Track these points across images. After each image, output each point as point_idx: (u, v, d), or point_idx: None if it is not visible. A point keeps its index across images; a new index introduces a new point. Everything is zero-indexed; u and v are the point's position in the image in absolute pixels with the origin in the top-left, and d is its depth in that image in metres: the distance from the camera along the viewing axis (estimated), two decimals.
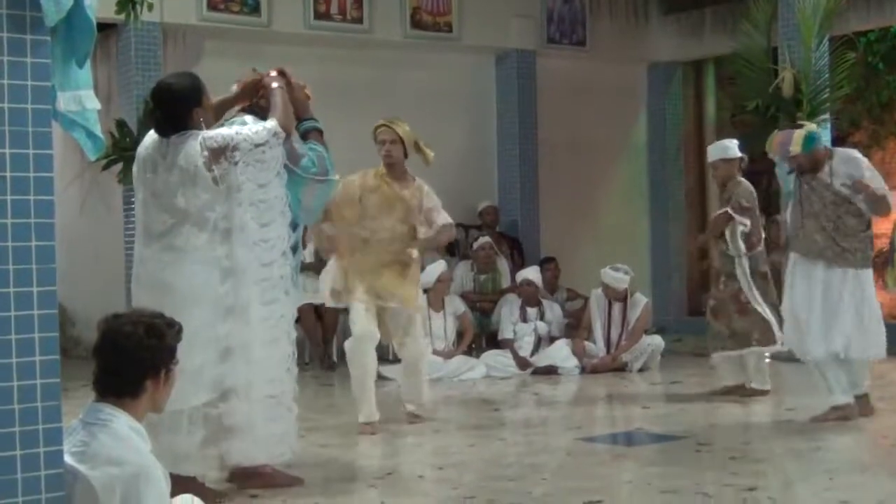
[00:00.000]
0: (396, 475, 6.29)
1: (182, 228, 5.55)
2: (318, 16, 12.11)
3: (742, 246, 8.96)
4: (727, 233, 9.02)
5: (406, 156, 7.87)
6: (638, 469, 6.35)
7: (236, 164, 5.52)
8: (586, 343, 10.92)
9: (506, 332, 11.05)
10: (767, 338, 8.96)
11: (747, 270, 8.99)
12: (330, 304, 8.40)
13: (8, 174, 3.52)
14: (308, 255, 11.46)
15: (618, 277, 10.88)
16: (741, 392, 9.01)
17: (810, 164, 7.65)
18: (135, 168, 5.85)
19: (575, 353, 10.77)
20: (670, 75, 14.99)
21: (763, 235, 9.16)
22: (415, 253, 7.87)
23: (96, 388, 3.71)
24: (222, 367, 5.52)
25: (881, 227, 13.86)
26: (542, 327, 11.03)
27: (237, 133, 5.58)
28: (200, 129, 5.59)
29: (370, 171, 7.81)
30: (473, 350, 11.34)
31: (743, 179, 9.10)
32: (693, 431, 7.41)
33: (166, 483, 3.67)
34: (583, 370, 10.67)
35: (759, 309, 8.94)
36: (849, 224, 7.61)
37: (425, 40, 12.87)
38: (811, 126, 7.88)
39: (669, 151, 14.98)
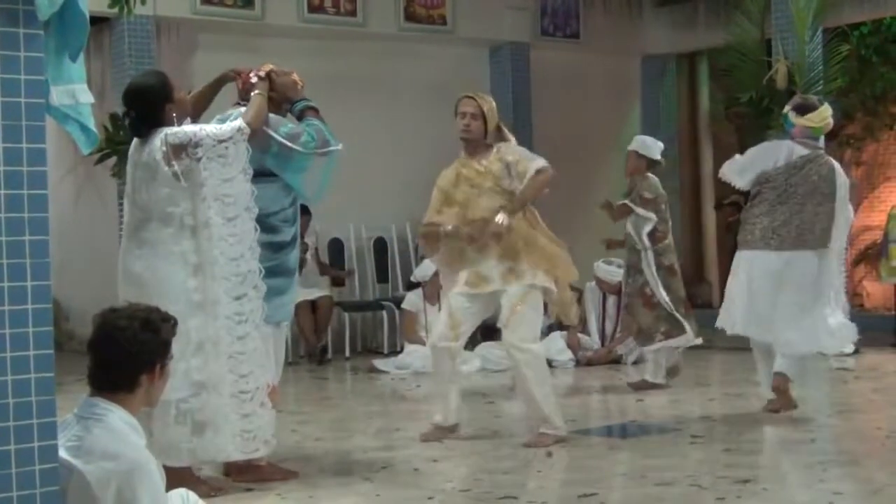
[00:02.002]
0: (391, 468, 6.29)
1: (150, 224, 5.61)
2: (311, 9, 12.11)
3: (647, 240, 9.06)
4: (631, 227, 9.14)
5: (485, 136, 7.19)
6: (632, 461, 6.36)
7: (199, 159, 5.54)
8: (580, 336, 10.93)
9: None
10: (675, 331, 9.07)
11: (652, 264, 9.11)
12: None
13: (1, 168, 3.52)
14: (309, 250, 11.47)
15: (611, 271, 10.90)
16: (638, 385, 9.18)
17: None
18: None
19: (569, 345, 10.78)
20: (664, 67, 15.00)
21: (669, 229, 9.29)
22: (504, 220, 6.84)
23: (91, 383, 3.70)
24: (193, 362, 5.51)
25: (874, 219, 13.93)
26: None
27: (200, 129, 5.62)
28: (172, 125, 5.63)
29: (450, 167, 7.24)
30: (469, 343, 11.32)
31: (651, 175, 9.27)
32: (687, 423, 7.43)
33: (161, 477, 3.67)
34: (577, 363, 10.70)
35: (664, 303, 9.04)
36: None
37: (419, 33, 12.87)
38: (797, 118, 7.85)
39: (663, 143, 14.96)
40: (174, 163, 5.50)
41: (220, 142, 5.58)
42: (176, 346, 5.00)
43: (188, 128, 5.65)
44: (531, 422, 7.00)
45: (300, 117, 6.07)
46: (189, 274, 5.55)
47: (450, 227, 6.94)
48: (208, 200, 5.55)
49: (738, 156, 7.84)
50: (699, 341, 9.24)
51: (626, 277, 9.34)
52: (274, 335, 6.03)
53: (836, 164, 7.73)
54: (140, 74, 6.22)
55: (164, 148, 5.53)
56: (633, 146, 9.44)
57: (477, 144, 7.14)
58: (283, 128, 5.94)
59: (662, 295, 9.04)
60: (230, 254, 5.60)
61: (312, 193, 6.16)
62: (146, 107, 5.65)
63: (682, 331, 9.04)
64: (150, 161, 5.56)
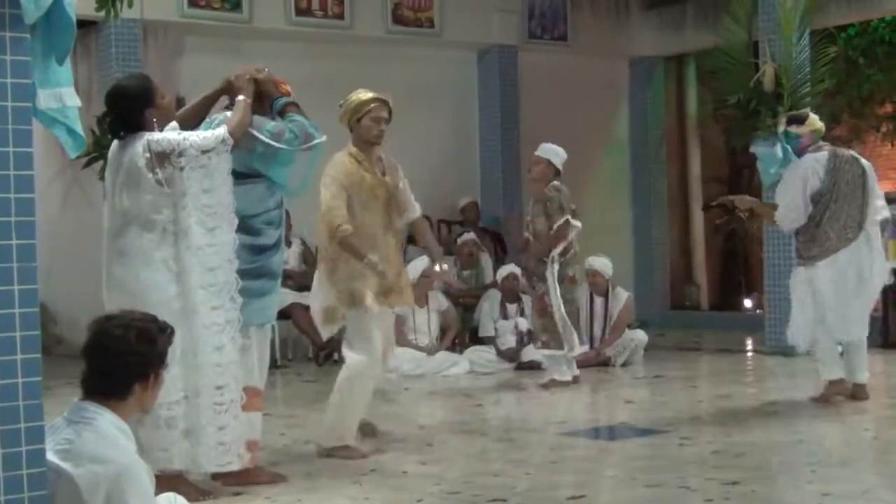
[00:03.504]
0: (380, 471, 6.29)
1: (130, 229, 5.57)
2: (299, 12, 12.10)
3: (556, 251, 9.26)
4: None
5: None
6: (621, 463, 6.36)
7: (182, 169, 5.51)
8: None
9: (486, 330, 11.07)
10: (554, 343, 9.33)
11: (556, 275, 9.22)
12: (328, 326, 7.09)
13: None
14: (293, 258, 11.44)
15: (606, 264, 10.93)
16: (543, 383, 9.46)
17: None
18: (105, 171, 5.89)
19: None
20: (652, 70, 15.03)
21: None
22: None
23: (83, 387, 3.70)
24: (173, 371, 5.44)
25: None
26: (523, 323, 11.01)
27: (184, 139, 5.57)
28: (152, 130, 5.61)
29: (343, 157, 6.87)
30: (457, 346, 11.34)
31: (559, 183, 9.44)
32: (676, 425, 7.42)
33: (151, 482, 3.67)
34: None
35: (556, 315, 9.22)
36: None
37: (407, 36, 12.88)
38: (798, 128, 8.38)
39: (651, 146, 15.02)
40: (158, 170, 5.47)
41: (204, 152, 5.55)
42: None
43: (171, 136, 5.61)
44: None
45: (282, 114, 6.06)
46: (171, 281, 5.52)
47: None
48: (189, 209, 5.52)
49: (779, 205, 8.25)
50: (575, 352, 9.52)
51: (530, 283, 9.54)
52: (257, 338, 6.00)
53: (853, 152, 8.38)
54: (124, 77, 6.19)
55: (147, 154, 5.49)
56: (545, 154, 9.54)
57: (375, 151, 6.96)
58: (266, 127, 5.93)
59: (558, 307, 9.23)
60: (208, 263, 5.57)
61: (296, 187, 6.14)
62: (126, 110, 5.64)
63: (559, 346, 9.33)
64: (131, 167, 5.53)
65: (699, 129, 15.11)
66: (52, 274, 10.52)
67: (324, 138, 6.07)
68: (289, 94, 6.22)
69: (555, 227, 9.27)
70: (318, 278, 6.96)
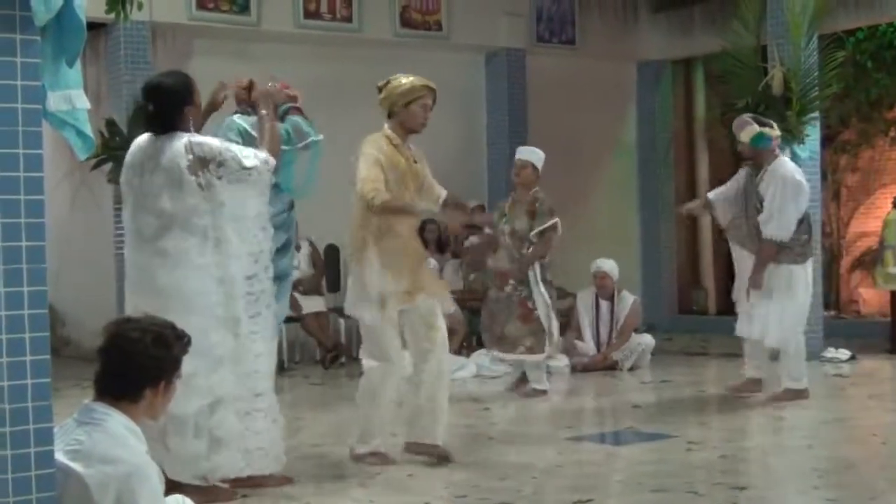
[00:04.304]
0: (387, 474, 6.29)
1: (170, 232, 5.50)
2: (307, 14, 12.10)
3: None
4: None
5: None
6: (629, 468, 6.36)
7: (220, 178, 5.49)
8: (576, 342, 10.92)
9: None
10: (538, 348, 9.24)
11: (540, 278, 9.16)
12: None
13: None
14: (303, 260, 11.45)
15: (613, 265, 10.93)
16: (523, 392, 9.38)
17: (750, 156, 8.50)
18: (122, 174, 5.80)
19: (565, 351, 10.77)
20: (660, 73, 15.02)
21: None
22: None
23: (96, 387, 3.71)
24: (213, 378, 5.49)
25: (870, 225, 13.93)
26: None
27: (227, 149, 5.53)
28: (189, 129, 5.58)
29: (380, 137, 6.61)
30: (464, 349, 11.33)
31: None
32: (683, 430, 7.41)
33: (161, 482, 3.67)
34: (573, 369, 10.67)
35: (542, 318, 9.16)
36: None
37: (415, 39, 12.87)
38: (772, 131, 8.46)
39: (659, 149, 15.00)
40: (199, 173, 5.44)
41: (244, 168, 5.52)
42: (198, 360, 4.98)
43: (214, 142, 5.56)
44: None
45: (282, 119, 6.09)
46: (213, 288, 5.51)
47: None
48: (227, 218, 5.51)
49: (776, 213, 8.31)
50: (562, 362, 9.69)
51: (501, 283, 9.35)
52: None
53: None
54: (165, 72, 6.05)
55: (189, 156, 5.44)
56: (529, 158, 9.52)
57: (410, 140, 6.78)
58: None
59: (547, 308, 9.18)
60: (246, 272, 5.58)
61: (300, 187, 6.13)
62: (165, 106, 5.56)
63: (542, 350, 9.26)
64: (172, 167, 5.46)
65: (707, 133, 15.07)
66: (60, 275, 10.53)
67: (320, 137, 6.09)
68: (295, 99, 6.24)
69: (546, 228, 9.22)
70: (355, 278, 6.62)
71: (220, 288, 5.52)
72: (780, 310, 8.26)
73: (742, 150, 8.53)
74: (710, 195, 8.98)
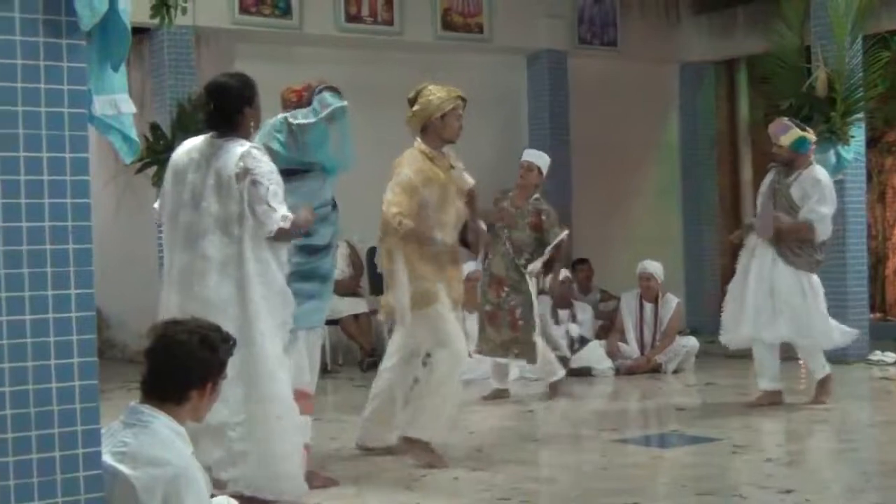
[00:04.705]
0: (431, 477, 6.29)
1: (213, 236, 5.37)
2: (349, 18, 12.13)
3: (539, 264, 9.24)
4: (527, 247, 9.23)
5: None
6: (673, 471, 6.33)
7: (245, 202, 5.33)
8: (620, 344, 10.89)
9: None
10: (528, 356, 9.24)
11: (534, 287, 9.23)
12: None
13: (45, 178, 3.55)
14: (341, 260, 11.46)
15: (659, 266, 10.90)
16: (503, 395, 9.41)
17: (785, 160, 8.36)
18: (168, 175, 5.66)
19: (609, 353, 10.75)
20: (702, 75, 14.94)
21: None
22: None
23: (142, 389, 3.73)
24: (239, 390, 5.31)
25: None
26: (574, 329, 11.00)
27: (270, 182, 5.32)
28: (248, 133, 5.54)
29: (416, 154, 6.68)
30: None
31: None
32: (728, 433, 7.37)
33: (207, 484, 3.69)
34: (617, 371, 10.64)
35: (530, 329, 9.13)
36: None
37: (456, 41, 12.88)
38: (812, 136, 8.43)
39: (702, 151, 14.93)
40: (242, 182, 5.31)
41: (267, 209, 5.30)
42: (233, 370, 4.89)
43: (265, 167, 5.34)
44: None
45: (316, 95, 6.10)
46: (248, 295, 5.34)
47: None
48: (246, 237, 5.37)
49: (823, 210, 8.26)
50: (559, 375, 9.47)
51: (497, 289, 9.27)
52: (307, 341, 5.97)
53: None
54: (224, 73, 5.91)
55: (241, 164, 5.30)
56: (537, 161, 9.45)
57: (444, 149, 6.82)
58: (300, 115, 5.99)
59: (534, 318, 9.14)
60: (265, 293, 5.38)
61: (342, 161, 6.07)
62: (226, 106, 5.49)
63: (533, 357, 9.20)
64: (223, 171, 5.35)
65: (751, 135, 14.99)
66: (104, 277, 10.59)
67: (343, 102, 6.03)
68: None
69: (559, 241, 9.20)
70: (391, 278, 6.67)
71: (253, 297, 5.36)
72: (806, 308, 8.23)
73: (778, 152, 8.41)
74: (748, 221, 9.09)
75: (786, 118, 8.73)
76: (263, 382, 5.39)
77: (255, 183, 5.29)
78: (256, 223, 5.30)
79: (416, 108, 6.70)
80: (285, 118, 6.04)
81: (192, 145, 5.60)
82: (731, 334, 8.53)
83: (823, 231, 8.21)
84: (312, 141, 5.96)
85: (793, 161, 8.32)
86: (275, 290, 5.42)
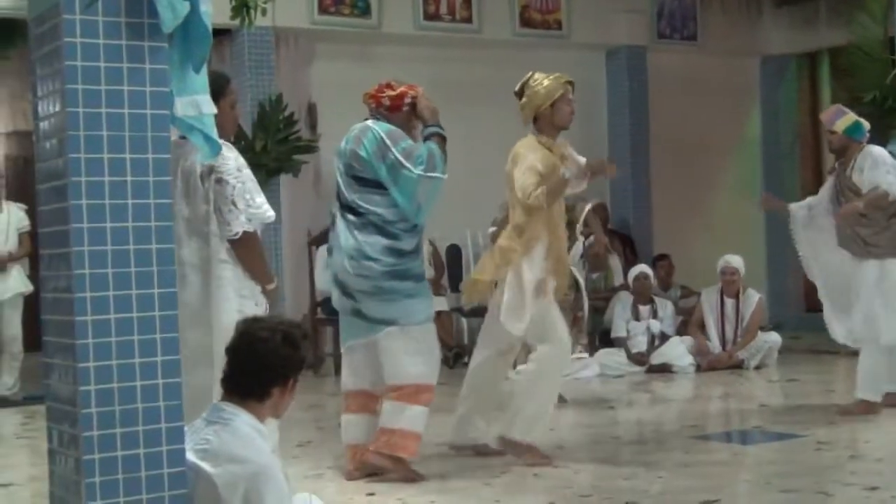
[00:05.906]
0: (512, 473, 6.29)
1: (190, 241, 5.00)
2: (427, 16, 12.17)
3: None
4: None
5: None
6: (756, 468, 6.28)
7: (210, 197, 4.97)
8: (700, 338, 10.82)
9: (619, 331, 10.98)
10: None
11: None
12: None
13: (129, 178, 3.60)
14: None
15: (741, 261, 10.82)
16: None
17: (838, 147, 8.05)
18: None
19: (696, 350, 10.67)
20: (784, 68, 14.78)
21: None
22: None
23: (224, 386, 3.77)
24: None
25: None
26: (655, 325, 10.94)
27: (240, 180, 4.96)
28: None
29: (534, 143, 6.65)
30: (588, 349, 11.28)
31: None
32: (812, 430, 7.28)
33: (287, 481, 3.72)
34: (698, 368, 10.56)
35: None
36: (871, 216, 7.83)
37: (534, 38, 12.86)
38: (866, 123, 8.06)
39: (784, 145, 14.77)
40: (208, 180, 4.95)
41: (234, 204, 4.93)
42: (209, 369, 4.78)
43: (231, 165, 4.94)
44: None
45: (426, 140, 6.14)
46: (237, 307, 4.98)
47: None
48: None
49: (890, 177, 7.82)
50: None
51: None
52: (421, 336, 6.14)
53: None
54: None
55: (206, 161, 4.86)
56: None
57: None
58: (401, 143, 6.03)
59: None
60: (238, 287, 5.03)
61: (413, 211, 6.10)
62: None
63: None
64: (190, 171, 4.98)
65: None
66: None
67: (445, 176, 6.09)
68: (415, 98, 6.26)
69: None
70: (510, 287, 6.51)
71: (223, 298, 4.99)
72: (885, 304, 7.93)
73: (832, 140, 8.09)
74: (792, 206, 8.81)
75: (839, 105, 8.51)
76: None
77: (220, 181, 4.92)
78: (221, 224, 4.94)
79: (524, 99, 6.71)
80: (381, 136, 6.07)
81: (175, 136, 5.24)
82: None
83: (890, 185, 7.80)
84: (401, 184, 6.01)
85: (846, 149, 7.99)
86: (247, 290, 5.04)
